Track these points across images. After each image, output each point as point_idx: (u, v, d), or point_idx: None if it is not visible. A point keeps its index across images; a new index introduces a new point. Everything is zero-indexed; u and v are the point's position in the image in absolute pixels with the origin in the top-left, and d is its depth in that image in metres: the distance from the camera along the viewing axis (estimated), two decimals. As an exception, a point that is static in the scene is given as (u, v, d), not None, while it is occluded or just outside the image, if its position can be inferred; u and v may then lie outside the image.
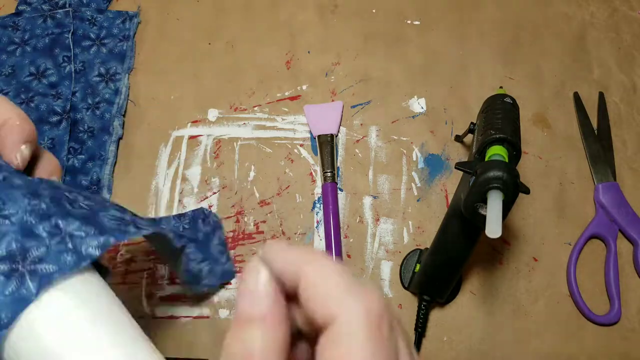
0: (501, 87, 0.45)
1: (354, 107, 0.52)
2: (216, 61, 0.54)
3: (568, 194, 0.49)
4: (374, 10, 0.57)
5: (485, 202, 0.32)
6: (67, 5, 0.56)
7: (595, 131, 0.51)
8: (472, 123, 0.44)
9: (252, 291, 0.19)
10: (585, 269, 0.46)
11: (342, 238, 0.47)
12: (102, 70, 0.53)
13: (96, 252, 0.28)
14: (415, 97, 0.53)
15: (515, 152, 0.36)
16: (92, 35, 0.55)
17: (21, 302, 0.25)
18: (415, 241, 0.47)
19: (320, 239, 0.47)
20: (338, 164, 0.50)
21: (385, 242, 0.47)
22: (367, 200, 0.49)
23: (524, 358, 0.44)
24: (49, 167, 0.33)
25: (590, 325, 0.44)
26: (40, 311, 0.25)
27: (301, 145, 0.51)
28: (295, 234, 0.47)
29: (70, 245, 0.27)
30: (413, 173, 0.50)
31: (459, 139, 0.49)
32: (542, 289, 0.46)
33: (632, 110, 0.52)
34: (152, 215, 0.48)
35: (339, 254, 0.46)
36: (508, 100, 0.40)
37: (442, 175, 0.49)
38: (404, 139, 0.51)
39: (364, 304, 0.17)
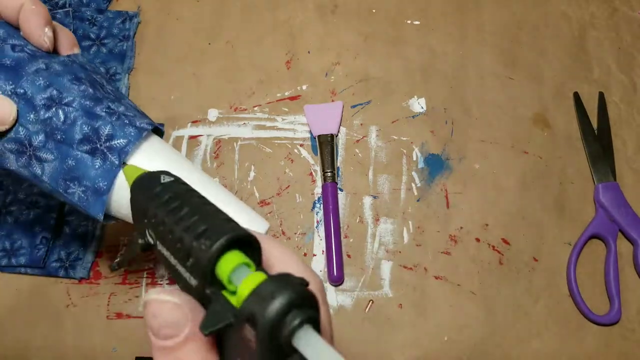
0: (125, 164, 0.31)
1: (354, 107, 0.52)
2: (216, 61, 0.54)
3: (568, 194, 0.49)
4: (374, 10, 0.57)
5: (290, 354, 0.18)
6: (67, 5, 0.56)
7: (595, 131, 0.51)
8: (140, 237, 0.24)
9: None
10: (585, 269, 0.46)
11: (342, 238, 0.47)
12: (102, 70, 0.53)
13: (148, 127, 0.32)
14: (415, 97, 0.53)
15: (251, 247, 0.21)
16: (92, 35, 0.55)
17: (111, 172, 0.30)
18: (415, 241, 0.47)
19: (320, 239, 0.47)
20: (338, 164, 0.50)
21: (385, 242, 0.47)
22: (367, 200, 0.49)
23: (524, 358, 0.44)
24: (68, 42, 0.35)
25: (590, 325, 0.45)
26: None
27: (301, 145, 0.51)
28: (295, 233, 0.47)
29: (127, 121, 0.32)
30: (413, 173, 0.50)
31: (119, 266, 0.30)
32: (542, 289, 0.46)
33: (632, 110, 0.52)
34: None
35: (339, 254, 0.46)
36: (167, 178, 0.25)
37: (442, 175, 0.49)
38: (404, 139, 0.51)
39: (317, 278, 0.23)
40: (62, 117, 0.30)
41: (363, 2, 0.57)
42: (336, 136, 0.51)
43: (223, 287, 0.20)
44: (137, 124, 0.32)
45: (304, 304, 0.18)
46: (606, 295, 0.46)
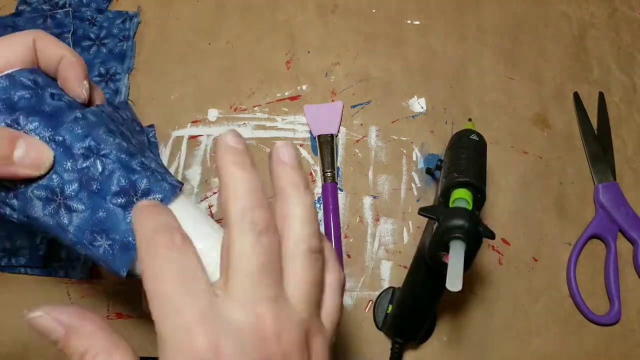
0: (470, 120, 0.44)
1: (353, 107, 0.52)
2: (216, 61, 0.54)
3: (568, 194, 0.49)
4: (374, 10, 0.57)
5: (447, 250, 0.32)
6: (67, 5, 0.56)
7: (595, 131, 0.51)
8: (439, 160, 0.44)
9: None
10: (585, 269, 0.46)
11: (342, 238, 0.47)
12: (102, 70, 0.53)
13: (179, 185, 0.31)
14: (415, 97, 0.53)
15: (479, 194, 0.35)
16: (92, 36, 0.55)
17: None
18: (415, 241, 0.47)
19: (320, 239, 0.47)
20: (338, 164, 0.50)
21: (385, 242, 0.47)
22: (367, 200, 0.49)
23: (524, 358, 0.44)
24: (99, 97, 0.35)
25: (590, 325, 0.45)
26: None
27: (301, 145, 0.51)
28: (295, 234, 0.47)
29: (159, 177, 0.31)
30: (413, 173, 0.50)
31: (430, 172, 0.48)
32: (542, 289, 0.46)
33: (632, 110, 0.52)
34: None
35: (339, 254, 0.46)
36: (474, 137, 0.39)
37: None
38: (404, 139, 0.51)
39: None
40: (99, 168, 0.30)
41: (363, 2, 0.57)
42: (336, 136, 0.51)
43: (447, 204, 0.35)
44: (169, 180, 0.31)
45: (471, 236, 0.31)
46: (606, 295, 0.46)
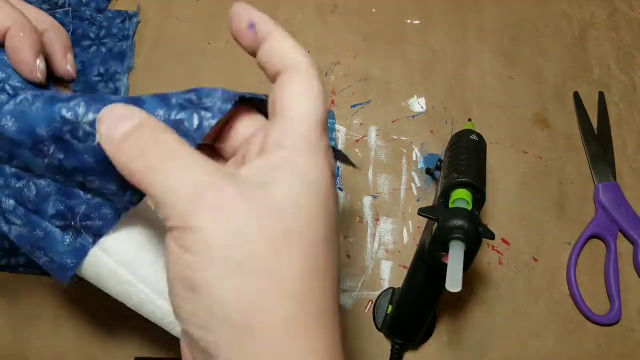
0: (470, 120, 0.44)
1: (353, 107, 0.52)
2: (216, 61, 0.54)
3: (568, 194, 0.49)
4: (374, 10, 0.57)
5: (447, 251, 0.32)
6: (67, 5, 0.56)
7: (596, 131, 0.51)
8: (439, 160, 0.44)
9: None
10: (585, 269, 0.46)
11: (342, 238, 0.47)
12: (102, 70, 0.53)
13: (129, 205, 0.29)
14: (415, 96, 0.53)
15: (479, 195, 0.35)
16: (92, 35, 0.55)
17: (81, 252, 0.28)
18: (415, 241, 0.47)
19: (320, 239, 0.47)
20: (338, 164, 0.50)
21: (385, 242, 0.47)
22: (367, 200, 0.49)
23: (524, 358, 0.44)
24: (61, 49, 0.30)
25: (590, 325, 0.45)
26: (100, 251, 0.29)
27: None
28: (295, 234, 0.47)
29: (102, 201, 0.28)
30: (413, 173, 0.50)
31: (429, 172, 0.49)
32: (542, 289, 0.46)
33: (632, 110, 0.52)
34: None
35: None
36: (474, 137, 0.39)
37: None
38: (404, 138, 0.51)
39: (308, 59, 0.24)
40: (34, 190, 0.27)
41: (363, 2, 0.57)
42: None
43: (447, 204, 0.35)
44: (115, 205, 0.28)
45: (471, 236, 0.31)
46: (606, 295, 0.46)
